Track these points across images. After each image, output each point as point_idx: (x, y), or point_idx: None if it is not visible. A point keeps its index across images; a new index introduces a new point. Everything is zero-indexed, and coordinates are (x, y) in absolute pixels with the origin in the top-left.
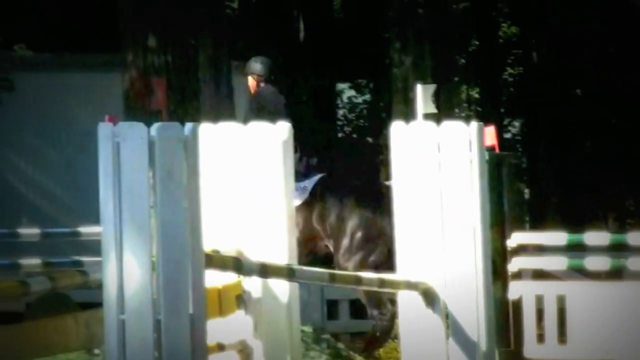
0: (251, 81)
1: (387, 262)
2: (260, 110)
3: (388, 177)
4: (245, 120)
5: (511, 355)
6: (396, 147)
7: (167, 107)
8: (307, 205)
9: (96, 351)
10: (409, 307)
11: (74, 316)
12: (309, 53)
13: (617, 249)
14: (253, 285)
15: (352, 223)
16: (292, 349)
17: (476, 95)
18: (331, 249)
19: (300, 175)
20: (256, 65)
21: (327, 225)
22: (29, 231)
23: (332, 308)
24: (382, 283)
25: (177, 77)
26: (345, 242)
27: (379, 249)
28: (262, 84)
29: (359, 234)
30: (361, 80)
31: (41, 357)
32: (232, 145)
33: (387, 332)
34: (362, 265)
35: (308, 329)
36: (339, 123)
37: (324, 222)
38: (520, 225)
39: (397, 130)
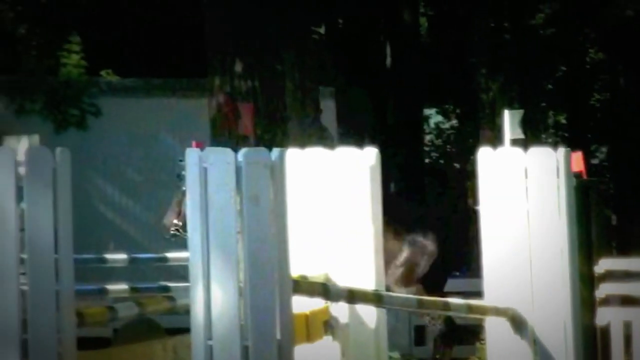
0: None
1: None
2: None
3: (475, 203)
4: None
5: None
6: (484, 173)
7: (254, 132)
8: None
9: None
10: (497, 333)
11: (161, 342)
12: (396, 78)
13: None
14: (340, 310)
15: (393, 242)
16: None
17: (563, 121)
18: None
19: None
20: None
21: None
22: (116, 256)
23: (419, 334)
24: (470, 309)
25: (264, 102)
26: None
27: (423, 264)
28: None
29: (404, 253)
30: (448, 105)
31: None
32: (320, 170)
33: (447, 335)
34: (405, 282)
35: (395, 355)
36: (426, 148)
37: None
38: (607, 252)
39: (485, 156)
